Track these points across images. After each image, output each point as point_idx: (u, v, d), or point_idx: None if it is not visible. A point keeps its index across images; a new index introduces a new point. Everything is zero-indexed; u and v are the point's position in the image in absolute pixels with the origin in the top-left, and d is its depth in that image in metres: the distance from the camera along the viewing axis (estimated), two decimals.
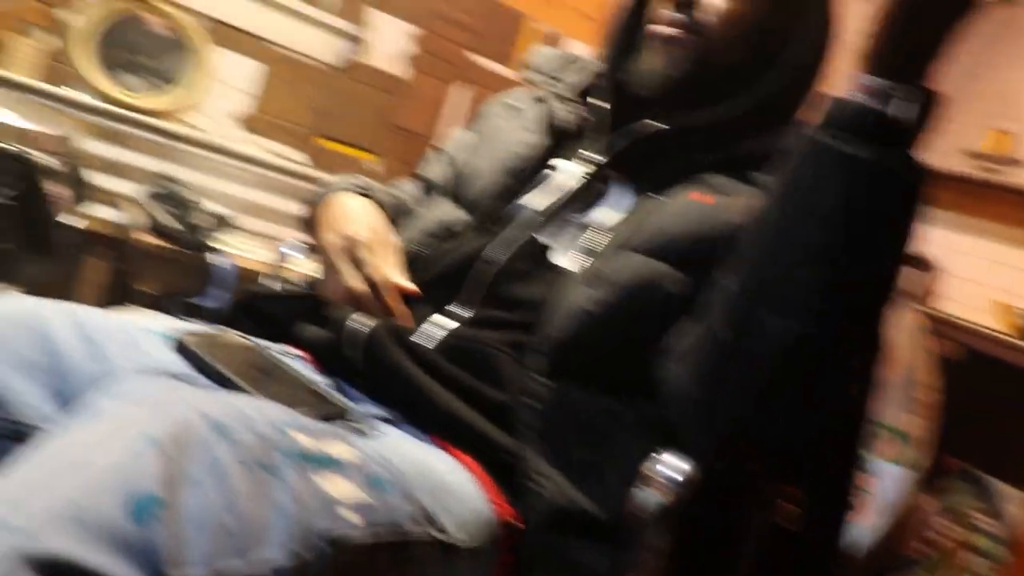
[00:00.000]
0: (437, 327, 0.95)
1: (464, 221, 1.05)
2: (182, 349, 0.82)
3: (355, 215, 1.03)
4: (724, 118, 0.98)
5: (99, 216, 2.52)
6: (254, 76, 2.91)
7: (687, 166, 0.98)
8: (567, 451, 0.86)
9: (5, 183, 2.02)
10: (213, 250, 2.58)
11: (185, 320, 1.02)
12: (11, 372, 0.75)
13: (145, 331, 0.85)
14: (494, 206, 1.04)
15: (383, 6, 3.05)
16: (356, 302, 0.96)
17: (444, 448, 0.85)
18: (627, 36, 1.05)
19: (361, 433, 0.78)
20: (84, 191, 2.47)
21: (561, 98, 1.11)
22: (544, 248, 0.99)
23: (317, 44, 2.97)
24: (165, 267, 2.65)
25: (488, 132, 1.13)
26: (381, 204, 1.09)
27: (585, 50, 1.14)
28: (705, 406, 0.81)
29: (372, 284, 0.96)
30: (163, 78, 2.76)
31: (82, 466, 0.55)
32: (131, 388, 0.64)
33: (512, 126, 1.11)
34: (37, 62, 2.54)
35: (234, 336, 0.91)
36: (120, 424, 0.58)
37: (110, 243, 2.53)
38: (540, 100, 1.13)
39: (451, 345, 0.92)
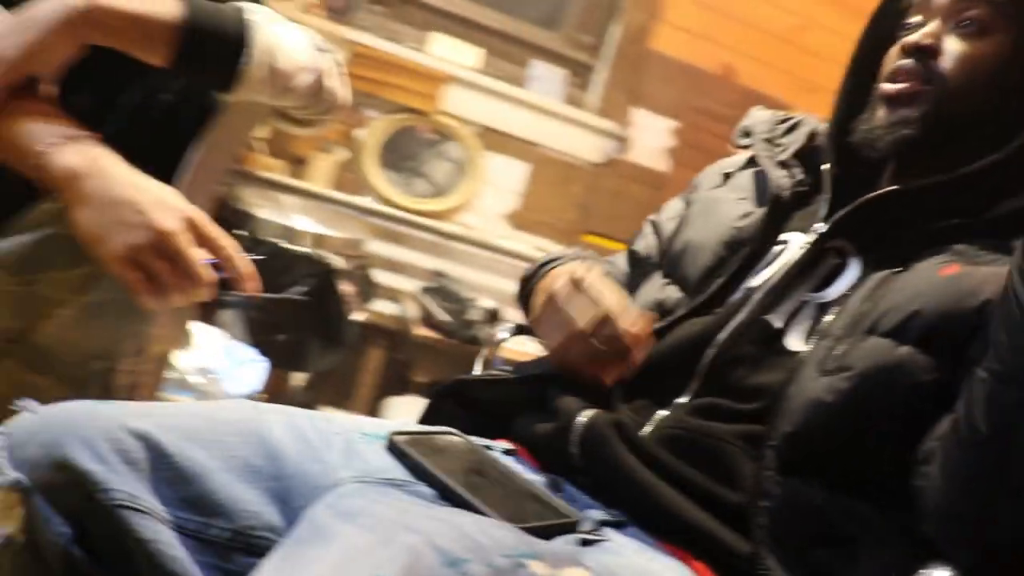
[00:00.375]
0: (655, 415, 0.89)
1: (680, 299, 0.99)
2: (394, 450, 0.81)
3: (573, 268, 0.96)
4: (966, 176, 0.86)
5: (380, 310, 2.73)
6: (521, 176, 3.06)
7: (927, 233, 0.87)
8: (810, 559, 0.78)
9: (301, 281, 2.26)
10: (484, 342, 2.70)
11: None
12: (235, 480, 0.73)
13: (360, 434, 0.84)
14: (713, 283, 0.96)
15: (643, 104, 3.11)
16: (580, 346, 0.89)
17: (676, 555, 0.79)
18: (857, 95, 0.96)
19: (590, 544, 0.75)
20: (370, 289, 2.70)
21: (778, 162, 1.02)
22: (774, 330, 0.90)
23: (580, 144, 3.07)
24: (439, 358, 2.81)
25: (702, 204, 1.07)
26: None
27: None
28: (966, 514, 0.72)
29: (601, 320, 0.88)
30: (437, 182, 2.99)
31: None
32: (357, 507, 0.63)
33: (727, 196, 1.04)
34: (332, 174, 2.85)
35: (445, 433, 0.88)
36: (351, 558, 0.56)
37: (389, 335, 2.73)
38: (753, 164, 1.05)
39: (673, 436, 0.86)
